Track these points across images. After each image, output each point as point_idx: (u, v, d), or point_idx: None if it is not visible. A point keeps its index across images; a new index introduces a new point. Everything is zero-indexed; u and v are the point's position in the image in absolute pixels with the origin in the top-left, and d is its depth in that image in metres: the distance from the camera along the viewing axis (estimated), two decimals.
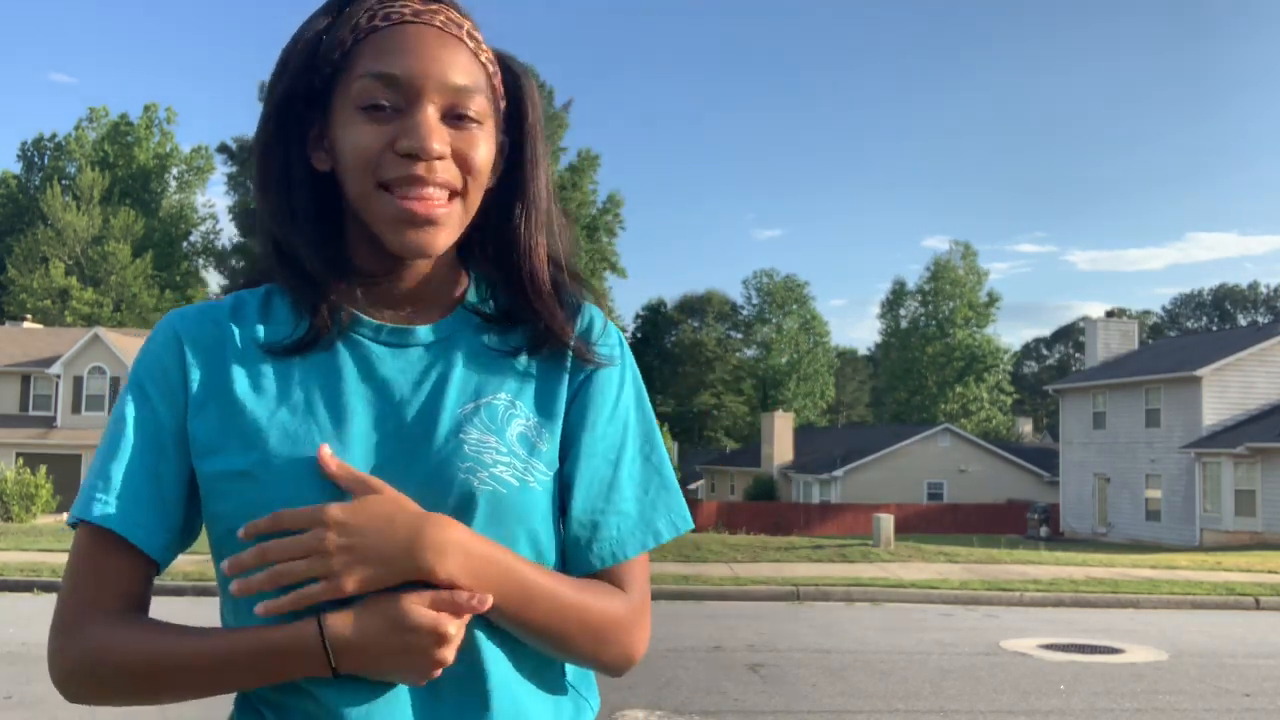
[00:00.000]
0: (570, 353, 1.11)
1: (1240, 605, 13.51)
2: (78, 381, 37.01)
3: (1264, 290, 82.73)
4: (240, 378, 1.05)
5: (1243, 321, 76.11)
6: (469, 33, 1.07)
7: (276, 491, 0.99)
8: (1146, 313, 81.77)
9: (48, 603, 11.93)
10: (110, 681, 0.99)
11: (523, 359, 1.11)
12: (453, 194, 1.04)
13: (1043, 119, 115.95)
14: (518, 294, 1.12)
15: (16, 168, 65.93)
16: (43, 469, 29.65)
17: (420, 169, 1.01)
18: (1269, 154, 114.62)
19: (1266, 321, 54.90)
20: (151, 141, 64.46)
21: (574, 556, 1.09)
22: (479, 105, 1.05)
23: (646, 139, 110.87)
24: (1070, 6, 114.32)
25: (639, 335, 76.33)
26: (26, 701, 6.84)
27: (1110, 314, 69.70)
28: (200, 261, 65.39)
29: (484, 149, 1.06)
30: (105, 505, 1.02)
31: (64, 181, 60.05)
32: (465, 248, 1.14)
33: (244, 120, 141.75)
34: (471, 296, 1.14)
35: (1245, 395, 32.74)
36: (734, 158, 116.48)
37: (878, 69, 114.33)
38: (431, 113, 1.02)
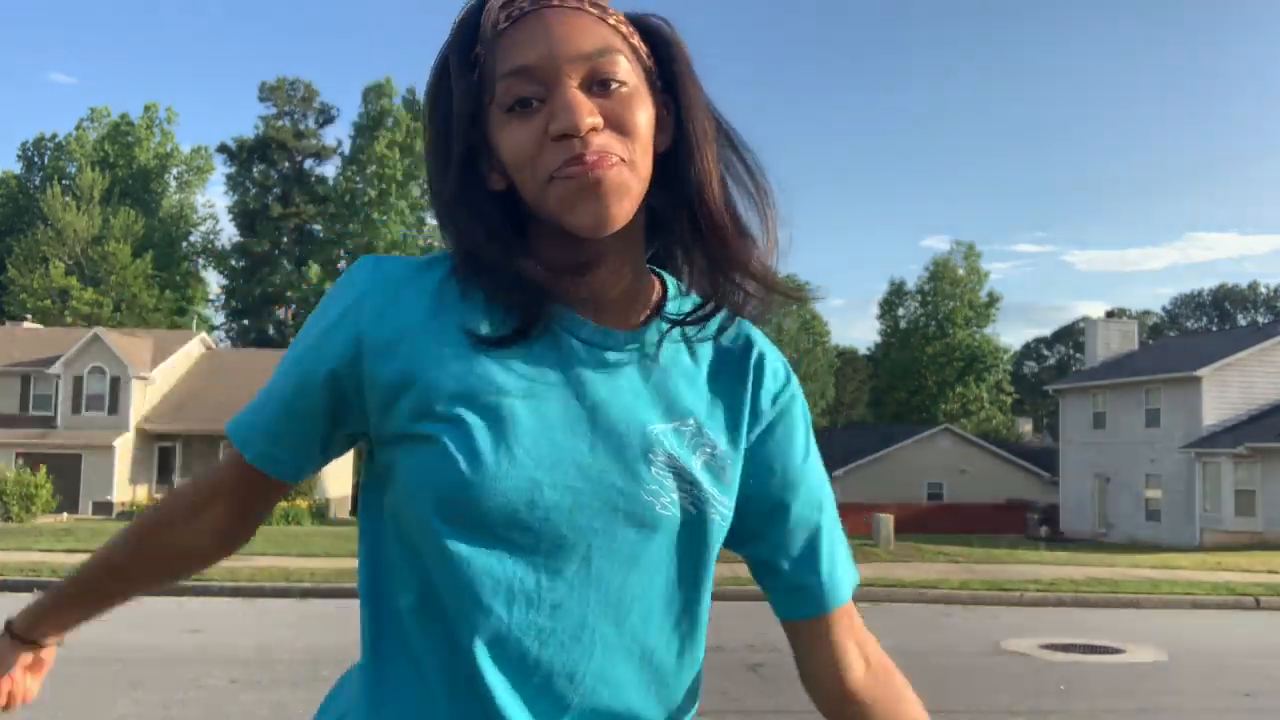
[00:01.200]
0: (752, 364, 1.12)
1: (1240, 605, 13.52)
2: (78, 382, 37.01)
3: (1264, 290, 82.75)
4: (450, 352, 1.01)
5: (1243, 321, 76.10)
6: (593, 4, 1.03)
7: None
8: (1146, 313, 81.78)
9: None
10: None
11: (711, 379, 1.10)
12: (618, 160, 0.98)
13: (1042, 119, 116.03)
14: (705, 248, 1.07)
15: (17, 168, 66.01)
16: (43, 469, 29.68)
17: (577, 145, 0.97)
18: (1269, 154, 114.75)
19: (1266, 321, 54.96)
20: (152, 141, 64.50)
21: (794, 600, 1.15)
22: (621, 67, 1.00)
23: None
24: (1070, 6, 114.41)
25: None
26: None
27: (1110, 314, 69.73)
28: (200, 261, 65.44)
29: (642, 111, 1.01)
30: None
31: (64, 181, 60.06)
32: (656, 258, 1.13)
33: (244, 121, 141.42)
34: (671, 305, 1.09)
35: (1245, 395, 32.75)
36: None
37: (877, 69, 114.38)
38: (573, 88, 0.98)
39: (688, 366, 1.08)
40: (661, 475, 1.02)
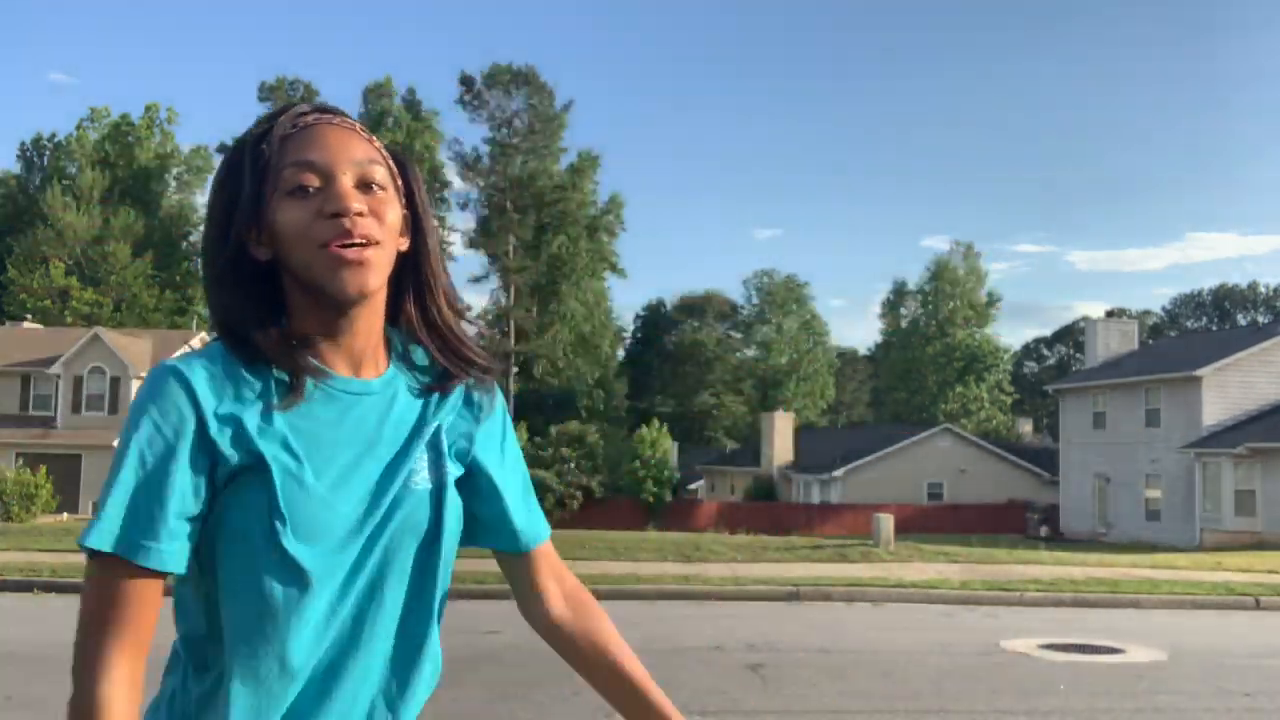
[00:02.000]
0: (470, 382, 1.44)
1: (1240, 605, 13.51)
2: (78, 381, 37.02)
3: (1264, 290, 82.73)
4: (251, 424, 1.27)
5: (1242, 321, 76.08)
6: (362, 130, 1.35)
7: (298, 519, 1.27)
8: (1146, 313, 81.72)
9: (48, 602, 11.93)
10: None
11: (452, 395, 1.42)
12: (374, 243, 1.28)
13: (1042, 119, 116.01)
14: (432, 328, 1.41)
15: (16, 168, 66.01)
16: (43, 469, 29.67)
17: (346, 224, 1.25)
18: (1269, 154, 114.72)
19: (1266, 321, 55.00)
20: (152, 141, 64.49)
21: (513, 538, 1.48)
22: (381, 175, 1.32)
23: (647, 139, 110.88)
24: (1069, 6, 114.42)
25: (639, 335, 76.35)
26: (27, 702, 6.84)
27: (1110, 314, 69.69)
28: (200, 262, 65.45)
29: (393, 210, 1.32)
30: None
31: (64, 181, 60.06)
32: (389, 319, 1.42)
33: (244, 121, 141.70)
34: (397, 349, 1.42)
35: (1245, 395, 32.75)
36: (734, 157, 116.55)
37: (877, 69, 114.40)
38: (346, 181, 1.28)
39: (423, 385, 1.42)
40: (420, 467, 1.35)
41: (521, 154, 61.39)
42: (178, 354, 1.31)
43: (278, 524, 1.22)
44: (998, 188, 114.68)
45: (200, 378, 1.25)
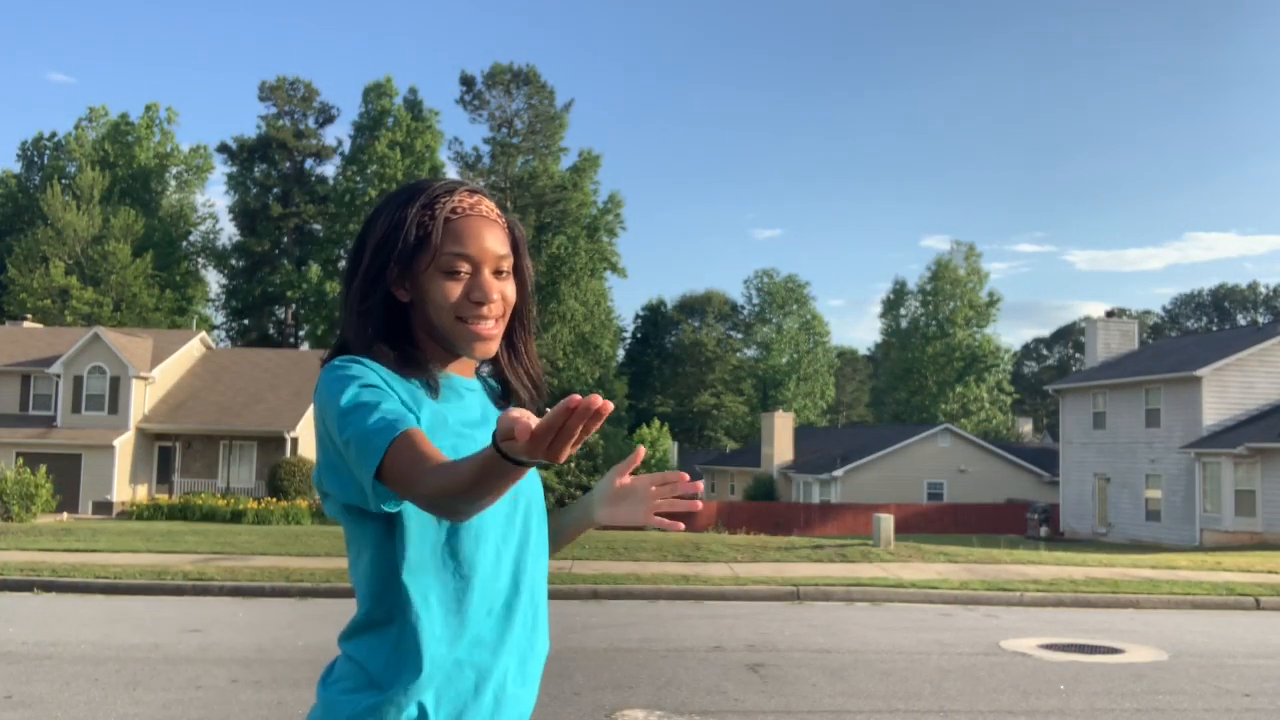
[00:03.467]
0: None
1: (1240, 605, 13.51)
2: (78, 381, 37.00)
3: (1263, 290, 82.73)
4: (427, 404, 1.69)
5: (1242, 321, 76.11)
6: (497, 214, 1.74)
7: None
8: (1146, 312, 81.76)
9: (48, 602, 11.93)
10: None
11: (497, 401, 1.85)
12: (498, 319, 1.71)
13: (1041, 119, 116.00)
14: (516, 357, 1.84)
15: (16, 167, 65.98)
16: (42, 469, 29.63)
17: (485, 310, 1.68)
18: (1268, 153, 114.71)
19: (1266, 321, 54.99)
20: (152, 141, 64.45)
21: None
22: (509, 263, 1.73)
23: (647, 139, 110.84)
24: (1068, 5, 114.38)
25: (639, 335, 76.35)
26: (27, 701, 6.84)
27: (1110, 314, 69.61)
28: (200, 261, 65.40)
29: (513, 288, 1.74)
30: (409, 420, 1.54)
31: (64, 181, 60.03)
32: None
33: (244, 120, 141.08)
34: (482, 369, 1.86)
35: (1245, 395, 32.74)
36: (734, 157, 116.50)
37: (877, 68, 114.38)
38: (489, 275, 1.69)
39: (492, 391, 1.86)
40: None
41: (522, 154, 61.40)
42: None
43: None
44: (997, 188, 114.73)
45: (380, 367, 1.65)
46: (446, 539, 1.61)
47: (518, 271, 1.76)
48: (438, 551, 1.60)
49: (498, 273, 1.69)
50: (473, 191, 1.71)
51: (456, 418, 1.68)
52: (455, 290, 1.65)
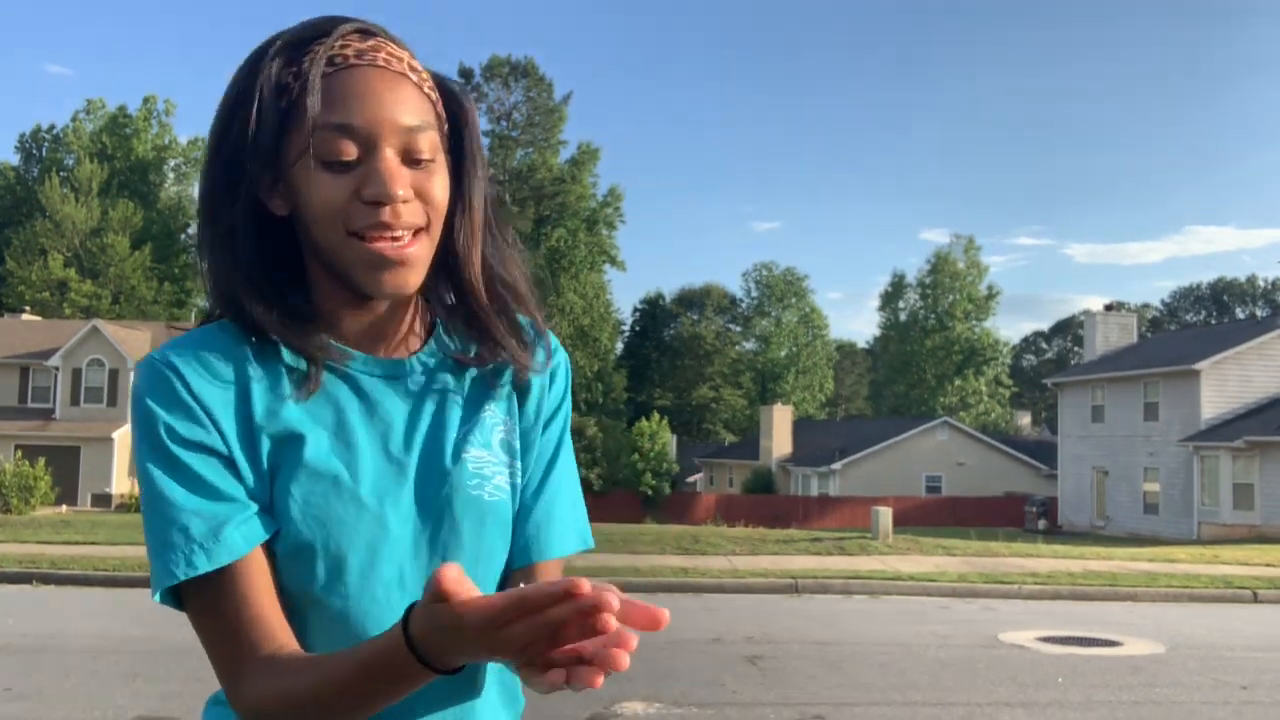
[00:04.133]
0: (522, 368, 1.20)
1: (1238, 598, 13.54)
2: (76, 374, 36.99)
3: (1262, 284, 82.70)
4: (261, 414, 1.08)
5: (1241, 315, 76.08)
6: (410, 65, 1.09)
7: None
8: (1145, 306, 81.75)
9: (46, 595, 11.95)
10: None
11: (502, 377, 1.19)
12: (418, 231, 1.06)
13: (1040, 112, 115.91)
14: (463, 308, 1.17)
15: (15, 159, 65.90)
16: (41, 461, 29.66)
17: (387, 214, 1.03)
18: (1266, 147, 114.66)
19: (1264, 315, 54.99)
20: (150, 133, 64.34)
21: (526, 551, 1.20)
22: (431, 142, 1.07)
23: (646, 132, 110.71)
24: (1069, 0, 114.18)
25: (637, 328, 76.34)
26: (26, 694, 6.85)
27: (1109, 307, 69.68)
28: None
29: (440, 182, 1.08)
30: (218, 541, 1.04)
31: (62, 173, 59.95)
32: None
33: None
34: (440, 331, 1.19)
35: (1243, 389, 32.76)
36: (733, 150, 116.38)
37: (876, 61, 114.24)
38: (390, 157, 1.04)
39: (475, 366, 1.18)
40: (478, 469, 1.14)
41: (520, 146, 61.33)
42: (167, 342, 1.10)
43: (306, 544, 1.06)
44: (996, 181, 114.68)
45: (193, 371, 1.06)
46: (325, 583, 1.07)
47: (455, 153, 1.12)
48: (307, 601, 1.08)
49: (412, 158, 1.05)
50: (366, 33, 1.09)
51: (348, 422, 1.10)
52: (339, 187, 1.03)
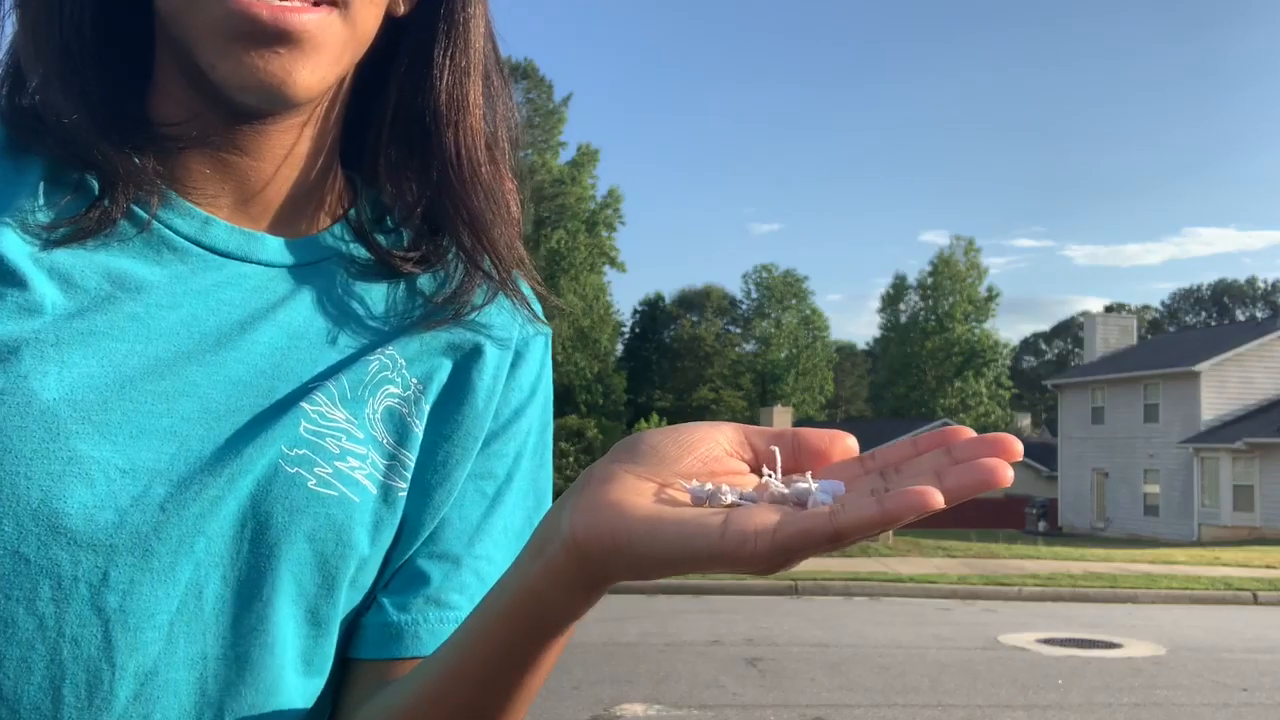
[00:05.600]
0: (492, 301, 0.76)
1: (1238, 600, 13.54)
2: None
3: (1262, 285, 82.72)
4: None
5: (1241, 317, 76.10)
6: None
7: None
8: (1145, 308, 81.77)
9: None
10: None
11: (442, 314, 0.74)
12: (319, 1, 0.64)
13: (1040, 113, 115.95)
14: (433, 190, 0.76)
15: None
16: None
17: None
18: (1266, 149, 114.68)
19: (1265, 317, 55.03)
20: None
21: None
22: None
23: (645, 134, 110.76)
24: (1067, 1, 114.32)
25: (637, 330, 76.38)
26: None
27: (1109, 309, 69.75)
28: None
29: None
30: None
31: None
32: (355, 154, 0.79)
33: None
34: (354, 213, 0.77)
35: (1244, 390, 32.76)
36: (733, 152, 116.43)
37: (876, 62, 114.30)
38: None
39: (387, 282, 0.75)
40: (314, 437, 0.66)
41: (520, 148, 61.25)
42: None
43: None
44: (996, 183, 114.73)
45: None
46: None
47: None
48: None
49: None
50: None
51: (125, 299, 0.64)
52: None
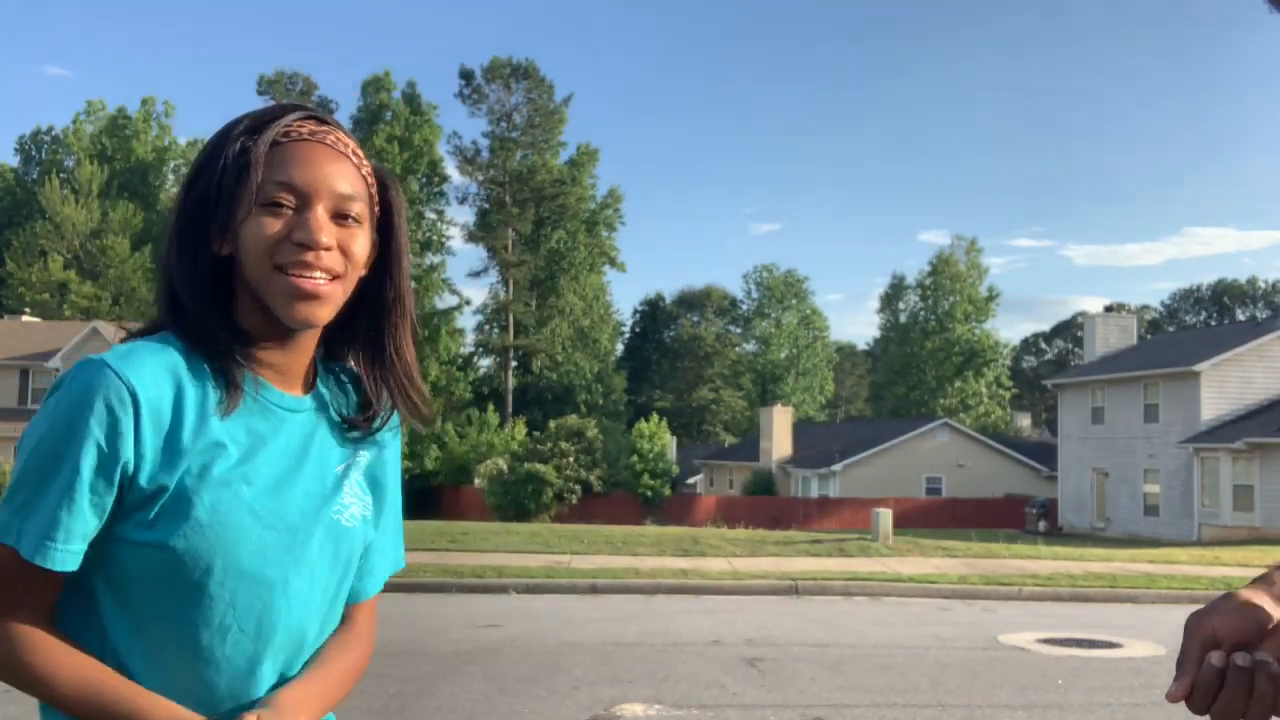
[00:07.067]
0: (384, 423, 1.44)
1: None
2: None
3: (1262, 285, 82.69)
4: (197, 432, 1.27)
5: (1241, 316, 76.08)
6: (353, 151, 1.34)
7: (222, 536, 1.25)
8: (1145, 307, 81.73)
9: None
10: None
11: (376, 427, 1.43)
12: (334, 277, 1.29)
13: (1039, 113, 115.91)
14: (377, 361, 1.42)
15: (14, 161, 65.94)
16: None
17: (310, 256, 1.26)
18: (1266, 149, 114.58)
19: (1265, 316, 55.00)
20: (149, 135, 64.38)
21: (363, 582, 1.47)
22: (359, 209, 1.32)
23: (645, 133, 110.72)
24: (1067, 1, 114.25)
25: (637, 330, 76.39)
26: (21, 695, 6.83)
27: (1109, 309, 69.72)
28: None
29: (361, 242, 1.32)
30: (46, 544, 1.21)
31: (62, 175, 59.98)
32: (332, 341, 1.43)
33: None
34: (322, 377, 1.42)
35: (1244, 390, 32.76)
36: (733, 152, 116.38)
37: (876, 62, 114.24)
38: (321, 213, 1.28)
39: (350, 414, 1.43)
40: (349, 500, 1.38)
41: (521, 148, 61.36)
42: (118, 345, 1.29)
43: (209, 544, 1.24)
44: (995, 183, 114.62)
45: (144, 380, 1.23)
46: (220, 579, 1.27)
47: (385, 234, 1.38)
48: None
49: (339, 216, 1.29)
50: (321, 120, 1.33)
51: (254, 444, 1.30)
52: (274, 227, 1.26)
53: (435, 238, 58.72)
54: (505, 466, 41.82)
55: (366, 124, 58.10)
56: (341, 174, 1.30)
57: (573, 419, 46.13)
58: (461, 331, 59.33)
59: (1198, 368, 32.44)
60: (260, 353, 1.32)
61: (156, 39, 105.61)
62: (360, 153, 1.35)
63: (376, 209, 1.37)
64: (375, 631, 1.49)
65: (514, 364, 60.63)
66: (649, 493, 43.44)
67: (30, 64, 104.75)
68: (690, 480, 57.66)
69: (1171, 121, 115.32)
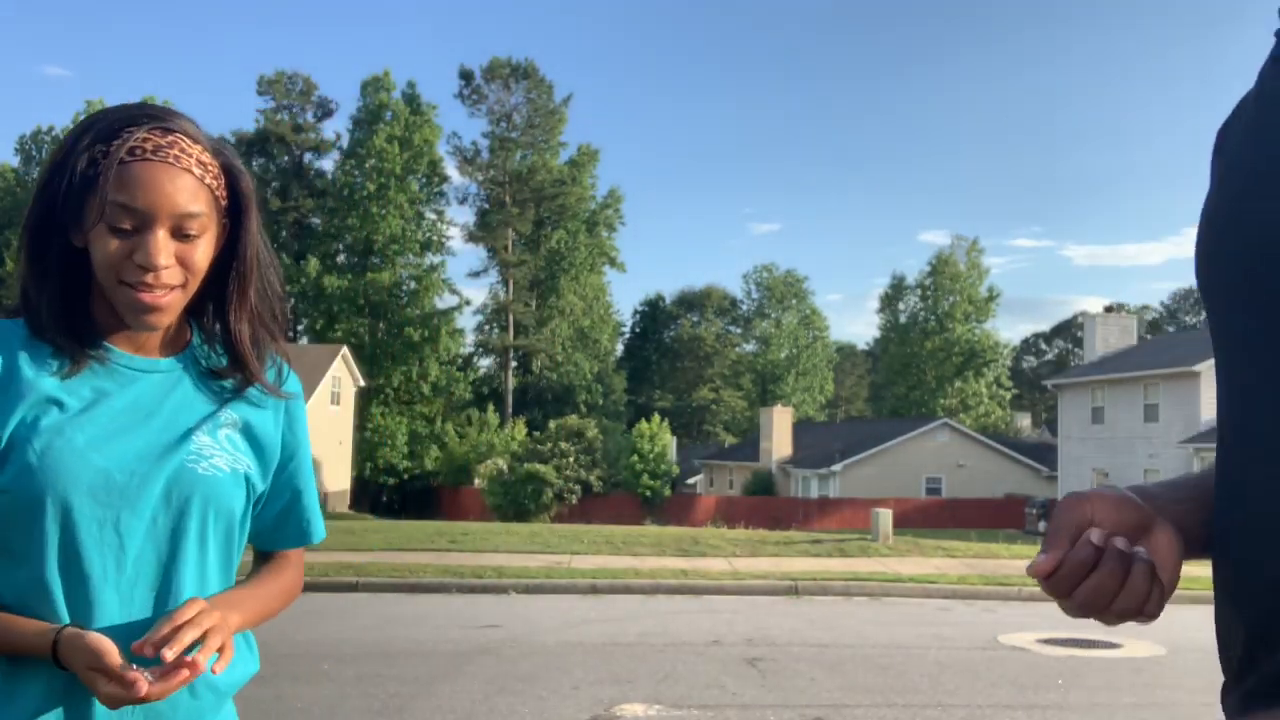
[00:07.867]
0: (260, 387, 1.57)
1: None
2: None
3: None
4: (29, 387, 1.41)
5: None
6: (197, 160, 1.42)
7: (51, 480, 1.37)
8: (1145, 307, 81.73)
9: None
10: None
11: (231, 391, 1.55)
12: (174, 288, 1.41)
13: (1039, 113, 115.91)
14: (228, 343, 1.54)
15: (14, 161, 65.89)
16: None
17: (149, 277, 1.38)
18: None
19: None
20: None
21: (278, 535, 1.64)
22: (198, 224, 1.41)
23: (645, 134, 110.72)
24: (1067, 0, 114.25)
25: (637, 330, 76.41)
26: None
27: (1109, 309, 69.66)
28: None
29: (202, 251, 1.44)
30: None
31: None
32: (197, 310, 1.56)
33: (242, 114, 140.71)
34: (196, 343, 1.56)
35: None
36: (733, 152, 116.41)
37: (876, 62, 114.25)
38: (161, 235, 1.38)
39: (214, 379, 1.55)
40: (198, 449, 1.46)
41: (520, 148, 61.39)
42: None
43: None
44: (995, 182, 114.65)
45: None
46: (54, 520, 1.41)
47: (234, 235, 1.50)
48: None
49: (181, 234, 1.39)
50: (168, 130, 1.40)
51: (96, 399, 1.44)
52: (117, 247, 1.37)
53: (435, 238, 58.70)
54: (505, 467, 41.83)
55: (366, 124, 58.09)
56: (182, 191, 1.39)
57: (573, 419, 46.13)
58: (461, 332, 59.31)
59: (1198, 368, 32.44)
60: (115, 328, 1.47)
61: (156, 39, 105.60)
62: (205, 158, 1.43)
63: (225, 200, 1.47)
64: (303, 572, 1.69)
65: (514, 364, 60.64)
66: (649, 493, 43.43)
67: (30, 64, 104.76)
68: (690, 480, 57.66)
69: (1172, 121, 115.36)
